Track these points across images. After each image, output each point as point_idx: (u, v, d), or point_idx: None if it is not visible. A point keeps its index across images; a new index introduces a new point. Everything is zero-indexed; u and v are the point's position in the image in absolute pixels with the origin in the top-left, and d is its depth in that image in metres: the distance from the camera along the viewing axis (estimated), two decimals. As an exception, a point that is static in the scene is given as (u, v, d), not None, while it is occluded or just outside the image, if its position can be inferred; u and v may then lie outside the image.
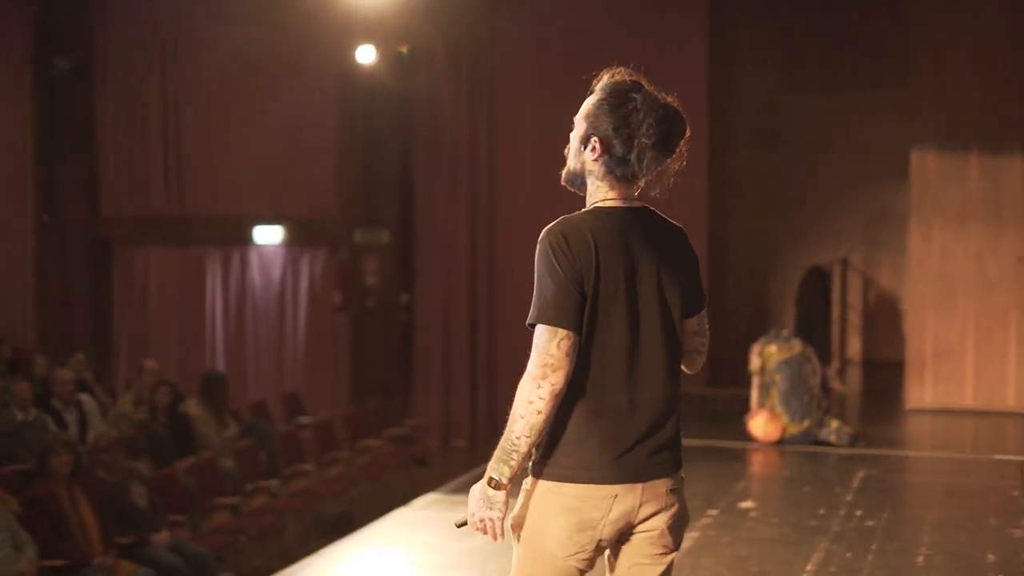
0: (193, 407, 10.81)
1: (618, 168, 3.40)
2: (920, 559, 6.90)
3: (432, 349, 15.31)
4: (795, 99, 14.30)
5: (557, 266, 3.28)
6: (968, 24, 11.50)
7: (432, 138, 15.12)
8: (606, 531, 3.34)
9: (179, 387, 11.66)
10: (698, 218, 14.16)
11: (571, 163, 3.49)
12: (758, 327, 14.35)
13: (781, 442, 10.19)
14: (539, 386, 3.24)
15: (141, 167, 15.36)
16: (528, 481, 3.37)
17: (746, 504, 8.27)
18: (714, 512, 8.01)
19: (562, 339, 3.24)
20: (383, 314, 15.31)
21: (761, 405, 10.36)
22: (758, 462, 10.00)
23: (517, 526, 3.40)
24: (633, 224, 3.40)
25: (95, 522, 7.96)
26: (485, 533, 3.34)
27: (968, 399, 11.70)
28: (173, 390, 10.86)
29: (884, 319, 14.51)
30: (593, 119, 3.41)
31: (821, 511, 8.01)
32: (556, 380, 3.24)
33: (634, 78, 3.45)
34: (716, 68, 14.32)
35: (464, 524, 3.42)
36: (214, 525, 9.45)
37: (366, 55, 14.16)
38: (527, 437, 3.25)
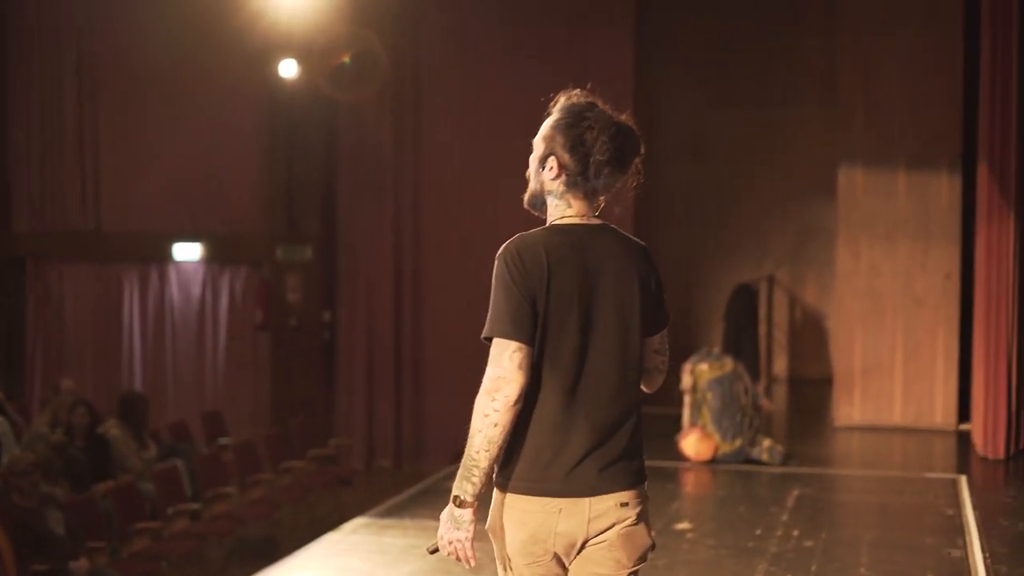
0: (112, 428, 10.49)
1: (576, 186, 3.47)
2: (861, 581, 6.83)
3: (355, 367, 15.06)
4: (723, 115, 14.28)
5: (511, 282, 3.35)
6: (896, 43, 11.50)
7: (356, 153, 14.89)
8: (557, 543, 3.38)
9: (96, 407, 11.33)
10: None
11: (532, 185, 3.58)
12: (684, 344, 14.28)
13: (713, 461, 10.10)
14: (493, 399, 3.30)
15: (56, 182, 14.98)
16: (495, 488, 3.43)
17: (682, 525, 8.16)
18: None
19: (514, 352, 3.30)
20: (305, 332, 15.03)
21: (693, 424, 10.27)
22: (691, 482, 9.90)
23: (491, 529, 3.45)
24: (590, 241, 3.45)
25: (10, 550, 7.65)
26: (458, 558, 3.39)
27: (896, 416, 11.69)
28: (91, 411, 10.54)
29: (810, 336, 14.52)
30: (550, 140, 3.50)
31: (758, 532, 7.91)
32: (510, 392, 3.29)
33: (589, 99, 3.53)
34: (643, 84, 14.22)
35: (436, 550, 3.46)
36: (134, 551, 9.15)
37: (289, 69, 13.93)
38: (486, 451, 3.30)
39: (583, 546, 3.41)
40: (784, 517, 8.36)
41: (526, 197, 3.63)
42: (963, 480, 9.46)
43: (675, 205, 14.47)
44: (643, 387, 3.60)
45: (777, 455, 10.00)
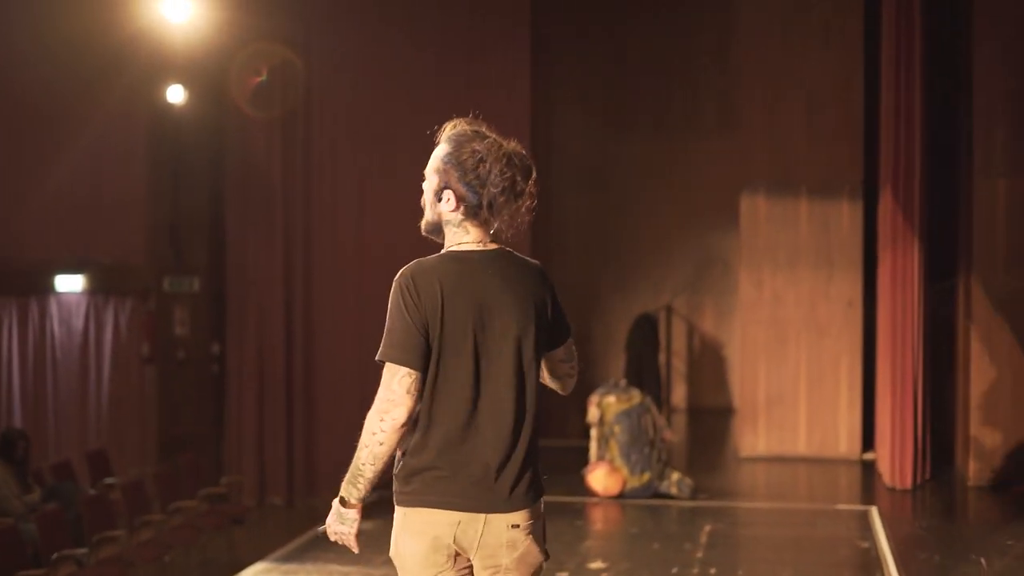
0: (-10, 470, 9.94)
1: (473, 215, 3.58)
2: (787, 621, 6.63)
3: (245, 401, 14.57)
4: (620, 143, 14.13)
5: (404, 308, 3.47)
6: (798, 71, 11.46)
7: (244, 180, 14.45)
8: (459, 548, 3.50)
9: (-27, 448, 10.75)
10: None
11: (428, 215, 3.68)
12: (586, 375, 14.11)
13: (621, 496, 9.88)
14: (381, 419, 3.45)
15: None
16: (395, 505, 3.57)
17: (596, 565, 7.90)
18: (564, 575, 7.61)
19: (403, 376, 3.43)
20: (193, 365, 14.53)
21: (600, 458, 10.04)
22: (600, 518, 9.65)
23: (394, 557, 3.62)
24: (485, 266, 3.58)
25: None
26: (342, 544, 3.66)
27: (801, 446, 11.59)
28: (-33, 452, 9.98)
29: (708, 366, 14.41)
30: (443, 173, 3.60)
31: (674, 570, 7.69)
32: (397, 415, 3.44)
33: (475, 127, 3.65)
34: (539, 111, 14.04)
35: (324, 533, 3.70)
36: (17, 601, 8.62)
37: (176, 94, 13.48)
38: (371, 465, 3.48)
39: (477, 558, 3.53)
40: (699, 554, 8.15)
41: (423, 225, 3.73)
42: (874, 511, 9.35)
43: (572, 233, 14.27)
44: (559, 391, 3.81)
45: (686, 488, 9.80)
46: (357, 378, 14.41)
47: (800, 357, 11.57)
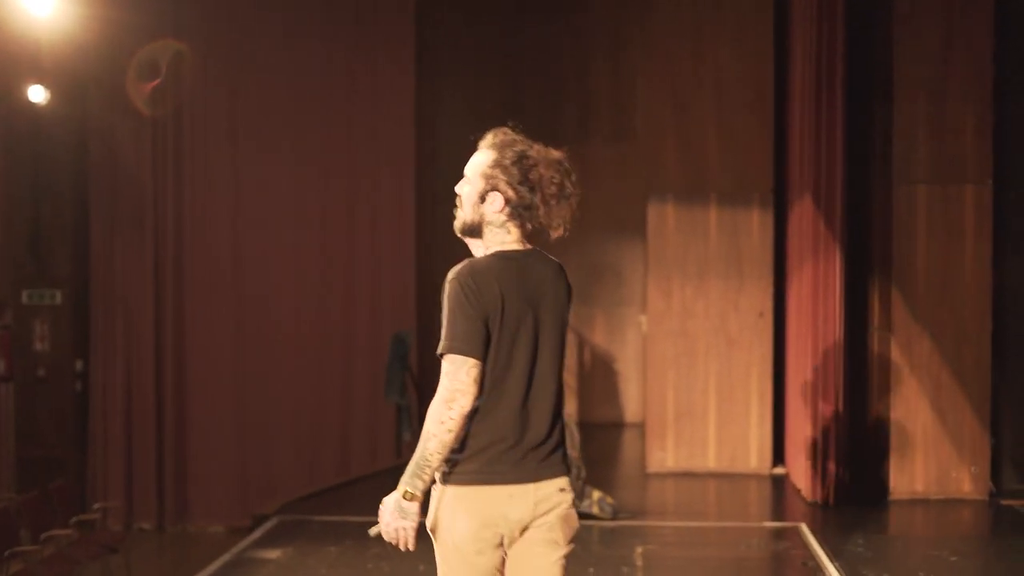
0: None
1: (520, 217, 3.94)
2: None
3: (111, 421, 13.63)
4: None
5: (467, 303, 3.77)
6: (708, 77, 11.14)
7: (111, 187, 13.54)
8: (505, 527, 3.79)
9: None
10: (406, 273, 13.31)
11: (468, 216, 4.06)
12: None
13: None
14: (449, 408, 3.70)
15: None
16: (437, 488, 3.84)
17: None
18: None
19: (470, 367, 3.73)
20: (55, 383, 13.56)
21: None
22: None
23: (433, 529, 3.85)
24: (530, 264, 3.95)
25: None
26: (397, 544, 3.79)
27: (711, 461, 11.24)
28: None
29: (600, 379, 14.00)
30: (491, 177, 3.96)
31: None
32: (464, 403, 3.72)
33: (515, 136, 4.05)
34: (425, 119, 13.53)
35: (379, 534, 3.82)
36: None
37: (36, 95, 12.56)
38: (439, 453, 3.71)
39: (526, 528, 3.81)
40: (641, 578, 7.71)
41: (459, 225, 4.12)
42: (804, 528, 9.02)
43: (459, 243, 13.69)
44: None
45: (608, 508, 9.35)
46: (233, 397, 13.62)
47: (710, 369, 11.23)
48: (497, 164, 3.96)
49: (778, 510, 10.21)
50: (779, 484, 10.97)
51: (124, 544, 11.81)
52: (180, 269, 13.60)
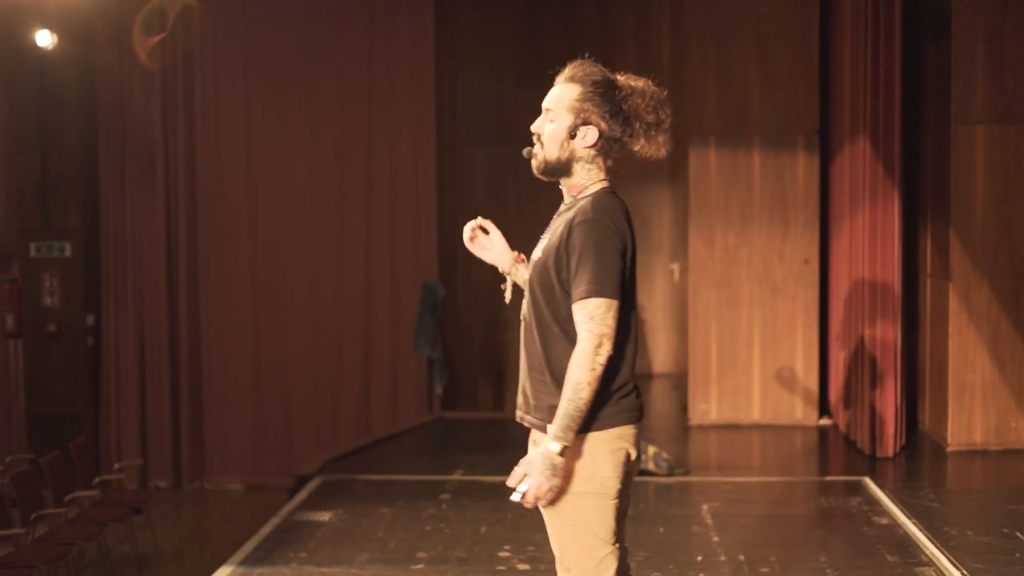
0: None
1: (607, 152, 3.89)
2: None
3: (124, 376, 13.34)
4: (531, 96, 13.12)
5: (610, 245, 3.71)
6: (749, 13, 10.72)
7: (120, 136, 13.16)
8: (635, 467, 3.89)
9: None
10: (427, 223, 12.90)
11: (553, 154, 3.89)
12: (494, 344, 13.24)
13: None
14: (598, 354, 3.65)
15: None
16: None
17: (611, 555, 7.03)
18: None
19: (615, 311, 3.68)
20: (65, 338, 13.19)
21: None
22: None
23: (568, 482, 3.74)
24: (624, 203, 3.90)
25: None
26: (543, 504, 3.76)
27: (755, 413, 10.92)
28: None
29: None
30: (581, 111, 3.83)
31: (699, 558, 6.93)
32: (609, 348, 3.67)
33: (597, 65, 3.89)
34: (444, 63, 13.09)
35: (523, 497, 3.72)
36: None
37: (43, 39, 12.08)
38: (590, 401, 3.66)
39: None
40: (715, 538, 7.38)
41: (541, 164, 3.93)
42: (869, 483, 8.71)
43: (479, 189, 13.33)
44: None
45: (664, 463, 9.03)
46: (250, 350, 13.28)
47: (753, 319, 10.89)
48: (587, 96, 3.83)
49: (835, 463, 9.91)
50: (826, 436, 10.66)
51: (146, 504, 11.48)
52: (193, 220, 13.21)
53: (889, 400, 9.46)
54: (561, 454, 3.65)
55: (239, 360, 13.26)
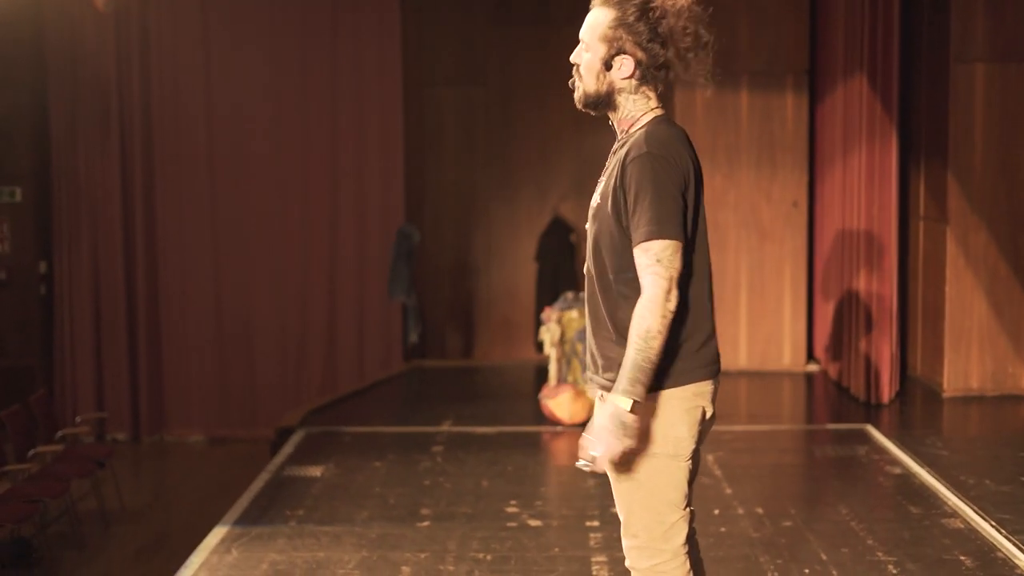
0: None
1: (650, 80, 3.52)
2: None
3: (79, 326, 12.83)
4: (503, 35, 12.72)
5: (667, 180, 3.37)
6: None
7: (71, 77, 12.57)
8: (710, 425, 3.59)
9: None
10: (393, 165, 12.46)
11: (591, 87, 3.54)
12: (463, 290, 12.88)
13: (587, 422, 8.73)
14: (668, 300, 3.34)
15: None
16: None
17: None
18: (595, 523, 6.45)
19: (681, 252, 3.37)
20: (17, 287, 12.65)
21: (562, 380, 8.86)
22: (569, 451, 8.49)
23: (641, 443, 3.44)
24: (683, 131, 3.57)
25: None
26: (614, 468, 3.51)
27: (742, 359, 10.67)
28: None
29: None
30: (614, 40, 3.48)
31: (716, 511, 6.64)
32: (678, 293, 3.37)
33: None
34: (411, 1, 12.59)
35: (591, 464, 3.43)
36: None
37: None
38: (660, 353, 3.34)
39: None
40: (728, 490, 7.11)
41: (582, 98, 3.59)
42: (872, 430, 8.50)
43: (449, 131, 12.90)
44: None
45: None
46: (210, 296, 12.81)
47: (740, 263, 10.62)
48: (619, 23, 3.47)
49: (830, 410, 9.68)
50: (814, 382, 10.44)
51: (108, 458, 11.06)
52: (150, 166, 12.70)
53: (885, 347, 9.24)
54: (632, 411, 3.33)
55: (199, 308, 12.79)
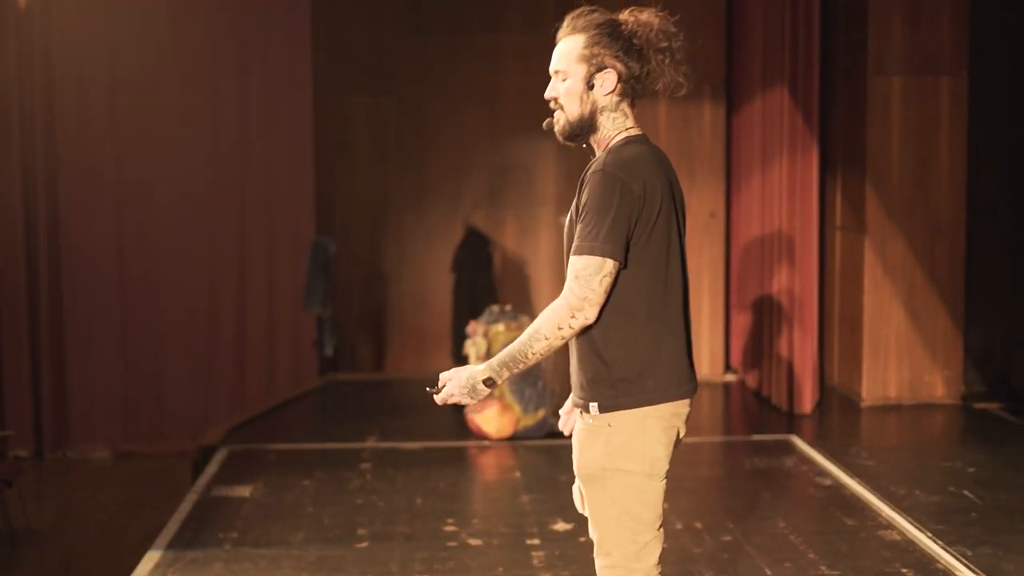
0: None
1: (629, 94, 3.57)
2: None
3: (-25, 337, 12.45)
4: (414, 43, 12.60)
5: (619, 201, 3.37)
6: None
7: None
8: (679, 445, 3.62)
9: None
10: (304, 175, 12.29)
11: (576, 112, 3.56)
12: (373, 301, 12.73)
13: (513, 437, 8.69)
14: (573, 316, 3.40)
15: None
16: (601, 418, 3.49)
17: (558, 527, 6.70)
18: (536, 542, 6.39)
19: (607, 274, 3.38)
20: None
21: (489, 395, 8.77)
22: (496, 464, 8.42)
23: (611, 465, 3.48)
24: (661, 153, 3.61)
25: None
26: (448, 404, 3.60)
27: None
28: None
29: (511, 284, 13.22)
30: (592, 57, 3.53)
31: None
32: (590, 314, 3.42)
33: (595, 9, 3.58)
34: (322, 5, 12.42)
35: (436, 392, 3.57)
36: None
37: None
38: (539, 356, 3.45)
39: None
40: (664, 504, 7.08)
41: (565, 129, 3.60)
42: (797, 440, 8.56)
43: (360, 140, 12.74)
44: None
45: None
46: (116, 307, 12.51)
47: (659, 274, 10.61)
48: (594, 42, 3.53)
49: (753, 420, 9.73)
50: (732, 392, 10.50)
51: (17, 476, 10.78)
52: (53, 168, 12.35)
53: (808, 356, 9.31)
54: (487, 384, 3.48)
55: (105, 320, 12.48)
